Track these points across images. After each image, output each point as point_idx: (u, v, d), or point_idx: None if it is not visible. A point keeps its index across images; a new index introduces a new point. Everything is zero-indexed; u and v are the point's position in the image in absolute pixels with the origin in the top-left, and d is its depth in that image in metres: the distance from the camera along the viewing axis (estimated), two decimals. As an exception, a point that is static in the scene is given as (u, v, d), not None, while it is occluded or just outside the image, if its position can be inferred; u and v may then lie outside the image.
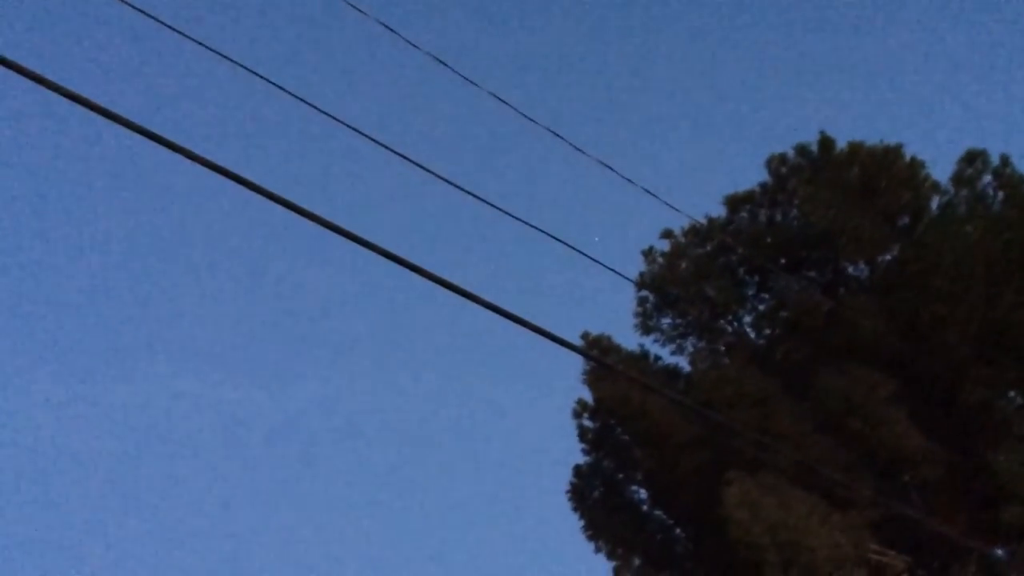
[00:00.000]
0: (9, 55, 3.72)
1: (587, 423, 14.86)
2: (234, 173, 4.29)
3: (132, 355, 30.51)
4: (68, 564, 24.38)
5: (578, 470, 14.75)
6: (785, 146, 13.83)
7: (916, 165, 13.32)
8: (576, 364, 14.60)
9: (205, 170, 4.26)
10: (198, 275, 32.39)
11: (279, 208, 4.42)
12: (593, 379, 14.40)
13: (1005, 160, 13.21)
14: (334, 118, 5.19)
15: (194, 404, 30.02)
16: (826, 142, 13.56)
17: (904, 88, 32.51)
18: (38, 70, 3.80)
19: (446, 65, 6.53)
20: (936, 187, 13.37)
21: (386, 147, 5.35)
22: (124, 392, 29.02)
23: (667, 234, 14.24)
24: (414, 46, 6.34)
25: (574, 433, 14.81)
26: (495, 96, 6.73)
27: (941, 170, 13.45)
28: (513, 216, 5.80)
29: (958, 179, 13.35)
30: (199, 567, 24.90)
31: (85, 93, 3.92)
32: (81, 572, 24.38)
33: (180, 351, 31.14)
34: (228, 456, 29.66)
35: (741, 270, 14.18)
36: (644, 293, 14.30)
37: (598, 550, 14.24)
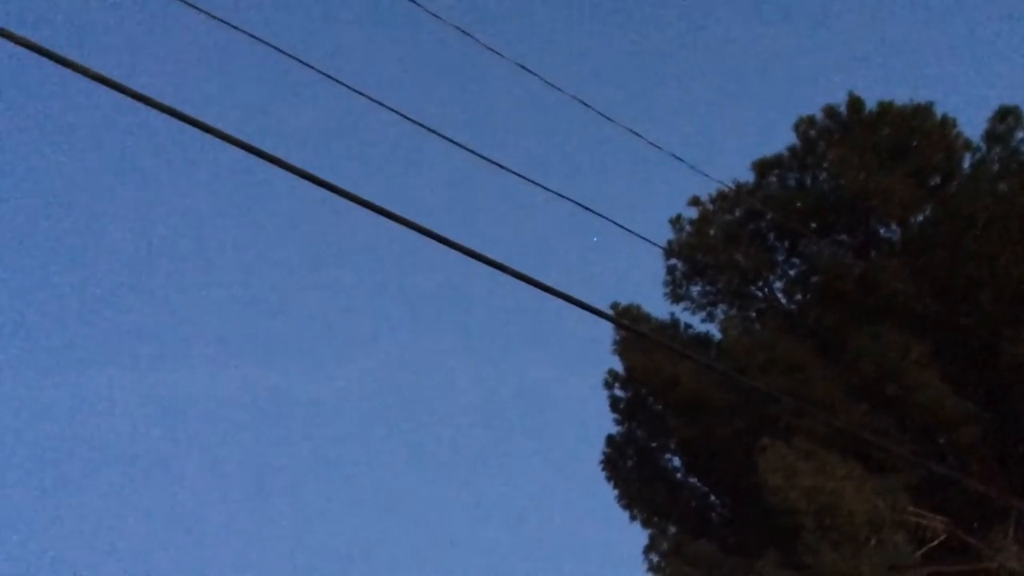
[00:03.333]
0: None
1: (618, 393, 14.88)
2: (268, 153, 4.29)
3: (169, 342, 30.78)
4: (112, 552, 24.76)
5: (611, 440, 14.78)
6: (813, 108, 13.70)
7: (947, 123, 13.12)
8: (604, 338, 14.62)
9: (238, 151, 4.26)
10: (230, 259, 32.61)
11: (312, 187, 4.42)
12: (624, 349, 14.39)
13: (1038, 116, 12.99)
14: (361, 93, 5.17)
15: (236, 389, 30.29)
16: (855, 103, 13.38)
17: (933, 45, 32.00)
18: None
19: (468, 35, 6.49)
20: (968, 145, 13.17)
21: (412, 120, 5.33)
22: (164, 379, 29.32)
23: (695, 201, 14.13)
24: (436, 16, 6.30)
25: (602, 406, 14.85)
26: (520, 65, 6.68)
27: (973, 128, 13.28)
28: (542, 186, 5.78)
29: (990, 136, 13.14)
30: (238, 553, 25.22)
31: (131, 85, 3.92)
32: (122, 561, 24.77)
33: (219, 336, 31.42)
34: (268, 440, 29.92)
35: (771, 235, 14.06)
36: (673, 261, 14.23)
37: (633, 519, 14.28)
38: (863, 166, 12.96)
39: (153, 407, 28.97)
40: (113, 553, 24.11)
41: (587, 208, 6.01)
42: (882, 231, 13.46)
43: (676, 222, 14.22)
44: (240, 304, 31.97)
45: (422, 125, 5.29)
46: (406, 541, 26.36)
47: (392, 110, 5.23)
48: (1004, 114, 13.09)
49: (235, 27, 4.76)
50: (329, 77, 5.05)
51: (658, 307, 14.42)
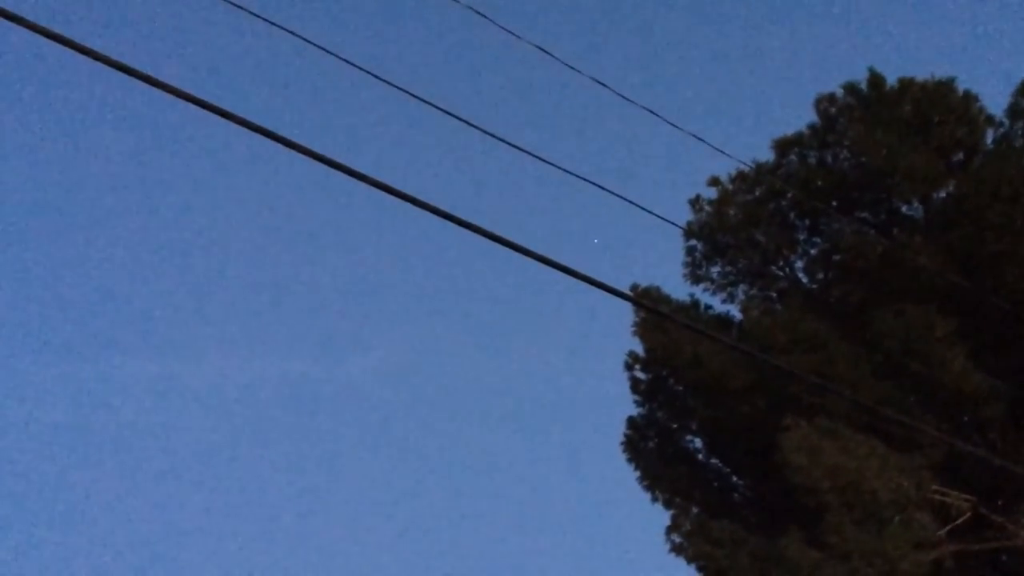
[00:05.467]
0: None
1: (639, 375, 14.84)
2: (289, 139, 4.28)
3: (183, 333, 30.93)
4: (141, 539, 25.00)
5: (632, 421, 14.75)
6: (833, 85, 13.58)
7: (970, 99, 12.97)
8: (623, 323, 14.56)
9: (251, 134, 4.25)
10: (249, 247, 32.71)
11: (330, 171, 4.41)
12: (644, 330, 14.34)
13: (1062, 89, 12.83)
14: (375, 76, 5.16)
15: (251, 379, 30.43)
16: (876, 79, 13.24)
17: (955, 19, 31.62)
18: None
19: (485, 17, 6.45)
20: (991, 120, 13.03)
21: (427, 102, 5.31)
22: (189, 370, 29.51)
23: (714, 181, 14.03)
24: (454, -1, 6.26)
25: (622, 393, 14.81)
26: (537, 47, 6.64)
27: (996, 103, 13.13)
28: (560, 167, 5.75)
29: (1013, 111, 13.00)
30: (268, 539, 25.38)
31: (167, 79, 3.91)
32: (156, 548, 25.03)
33: (238, 327, 31.55)
34: (291, 430, 30.06)
35: (792, 214, 13.96)
36: (692, 242, 14.16)
37: (655, 500, 14.27)
38: (885, 143, 12.84)
39: (165, 396, 29.19)
40: (128, 544, 24.35)
41: (606, 189, 5.97)
42: (904, 208, 13.35)
43: (695, 202, 14.13)
44: (256, 293, 32.13)
45: (439, 107, 5.27)
46: (412, 536, 26.47)
47: (409, 93, 5.21)
48: (1028, 88, 12.95)
49: (258, 16, 4.75)
50: (352, 64, 5.04)
51: (678, 288, 14.39)
